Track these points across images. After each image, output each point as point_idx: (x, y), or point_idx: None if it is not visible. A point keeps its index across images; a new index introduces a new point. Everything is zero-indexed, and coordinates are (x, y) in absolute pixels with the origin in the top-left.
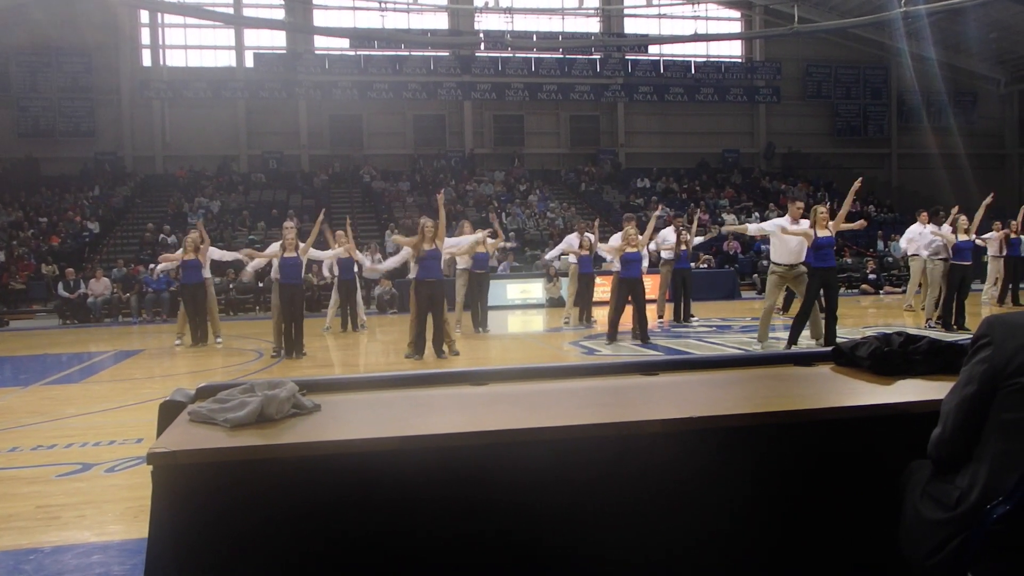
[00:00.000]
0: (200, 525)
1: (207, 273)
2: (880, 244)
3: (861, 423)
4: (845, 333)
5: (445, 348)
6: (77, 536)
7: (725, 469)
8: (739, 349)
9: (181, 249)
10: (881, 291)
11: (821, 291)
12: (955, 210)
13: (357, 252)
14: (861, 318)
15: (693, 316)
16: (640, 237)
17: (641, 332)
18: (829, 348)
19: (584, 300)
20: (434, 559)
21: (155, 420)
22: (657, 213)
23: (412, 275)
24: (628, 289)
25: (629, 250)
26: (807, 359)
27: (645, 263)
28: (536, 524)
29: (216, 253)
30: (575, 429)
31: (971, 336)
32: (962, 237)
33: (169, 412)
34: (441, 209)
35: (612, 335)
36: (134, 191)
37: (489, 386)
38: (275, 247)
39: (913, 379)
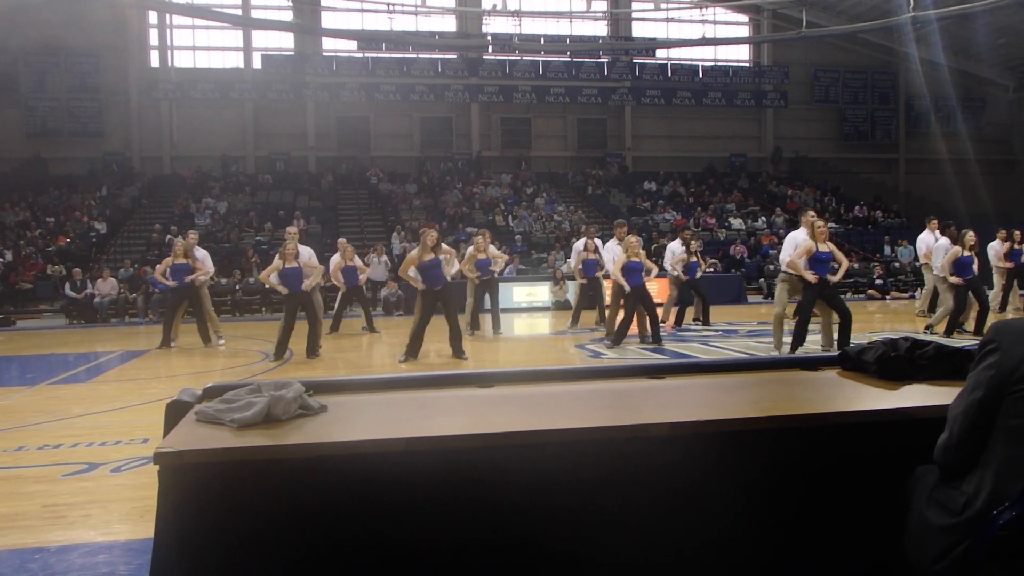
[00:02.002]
0: (206, 525)
1: (202, 277)
2: (887, 249)
3: (867, 428)
4: (852, 338)
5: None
6: (83, 535)
7: (732, 472)
8: (745, 353)
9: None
10: (888, 296)
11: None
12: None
13: (357, 258)
14: (868, 323)
15: (697, 320)
16: (642, 251)
17: (654, 334)
18: (836, 352)
19: (594, 303)
20: (439, 560)
21: (161, 420)
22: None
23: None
24: (637, 298)
25: (632, 260)
26: (813, 363)
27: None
28: (542, 526)
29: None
30: (582, 432)
31: (978, 341)
32: (967, 253)
33: (176, 412)
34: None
35: (618, 340)
36: (141, 191)
37: (495, 388)
38: (279, 259)
39: (920, 384)
